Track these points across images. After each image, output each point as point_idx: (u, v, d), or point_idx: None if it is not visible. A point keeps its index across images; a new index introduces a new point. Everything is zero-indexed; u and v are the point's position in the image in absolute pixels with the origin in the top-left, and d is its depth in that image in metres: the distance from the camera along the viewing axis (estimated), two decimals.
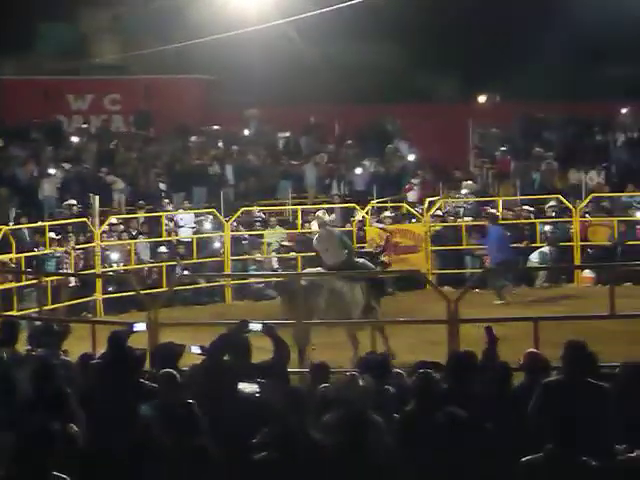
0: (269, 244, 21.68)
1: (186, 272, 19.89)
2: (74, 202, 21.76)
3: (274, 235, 21.85)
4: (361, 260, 14.78)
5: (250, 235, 21.78)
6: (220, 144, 26.40)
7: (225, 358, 8.42)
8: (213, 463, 6.25)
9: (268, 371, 8.38)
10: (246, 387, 7.94)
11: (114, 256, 20.26)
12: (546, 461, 6.03)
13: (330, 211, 19.47)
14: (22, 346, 9.91)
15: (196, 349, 8.99)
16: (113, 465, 6.34)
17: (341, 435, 6.39)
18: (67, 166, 23.94)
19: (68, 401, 7.10)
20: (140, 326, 10.24)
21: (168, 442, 6.65)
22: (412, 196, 24.19)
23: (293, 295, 13.07)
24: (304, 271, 14.37)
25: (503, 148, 26.69)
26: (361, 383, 7.29)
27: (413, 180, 24.82)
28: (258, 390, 7.96)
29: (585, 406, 6.99)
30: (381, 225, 21.29)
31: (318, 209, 22.91)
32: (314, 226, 15.19)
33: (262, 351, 9.02)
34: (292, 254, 21.41)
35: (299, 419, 6.69)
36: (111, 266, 20.15)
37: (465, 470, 6.05)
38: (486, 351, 8.67)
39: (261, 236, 21.72)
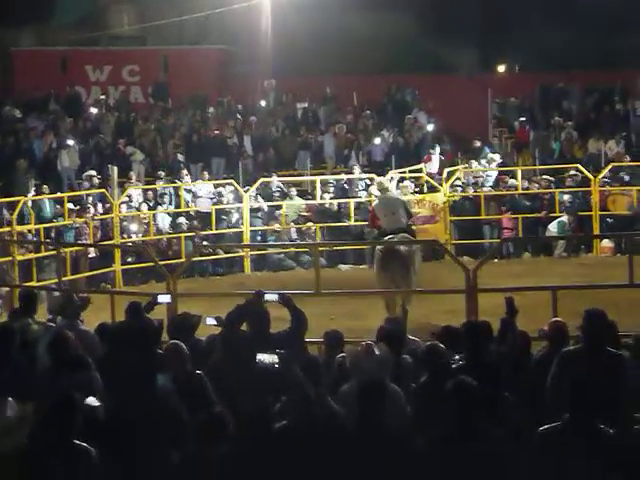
0: (287, 215, 21.65)
1: (205, 243, 19.89)
2: (94, 173, 21.83)
3: (293, 206, 21.83)
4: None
5: (269, 206, 21.76)
6: (238, 115, 26.36)
7: (243, 328, 8.43)
8: (230, 433, 6.27)
9: (286, 341, 8.39)
10: (265, 358, 7.95)
11: (133, 227, 20.28)
12: (563, 430, 6.02)
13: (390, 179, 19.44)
14: (41, 317, 9.96)
15: (211, 320, 9.00)
16: (131, 434, 6.37)
17: (358, 405, 6.40)
18: (84, 141, 24.00)
19: (87, 371, 7.14)
20: (164, 298, 10.26)
21: (184, 412, 6.69)
22: (431, 166, 24.11)
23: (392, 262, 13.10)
24: (389, 238, 14.05)
25: (522, 118, 26.55)
26: (377, 352, 7.30)
27: (432, 150, 24.73)
28: (277, 360, 7.97)
29: (603, 375, 6.98)
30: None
31: (338, 180, 23.02)
32: (374, 191, 15.12)
33: (280, 321, 9.04)
34: (310, 224, 21.42)
35: (317, 389, 6.70)
36: (130, 237, 20.19)
37: (478, 440, 6.03)
38: (504, 321, 8.64)
39: (280, 207, 21.69)
